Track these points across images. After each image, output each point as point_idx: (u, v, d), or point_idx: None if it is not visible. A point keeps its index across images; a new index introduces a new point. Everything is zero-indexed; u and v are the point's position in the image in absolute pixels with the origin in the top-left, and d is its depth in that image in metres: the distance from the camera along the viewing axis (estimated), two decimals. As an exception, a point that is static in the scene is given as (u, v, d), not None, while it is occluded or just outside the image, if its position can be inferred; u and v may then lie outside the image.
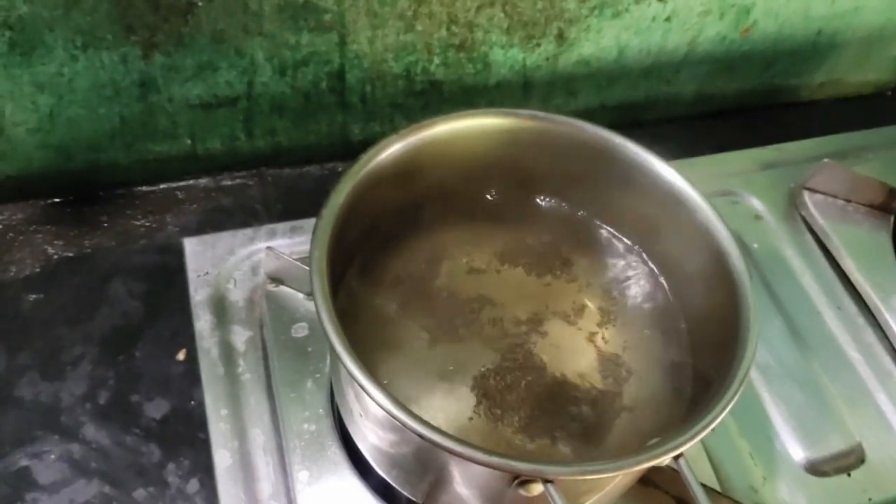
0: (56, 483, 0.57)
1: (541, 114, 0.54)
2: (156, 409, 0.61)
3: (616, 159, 0.54)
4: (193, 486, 0.58)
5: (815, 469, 0.63)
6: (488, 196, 0.59)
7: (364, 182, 0.49)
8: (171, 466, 0.58)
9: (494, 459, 0.40)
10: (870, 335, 0.71)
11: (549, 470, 0.40)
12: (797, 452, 0.63)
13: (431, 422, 0.40)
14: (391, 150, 0.51)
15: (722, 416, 0.43)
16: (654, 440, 0.44)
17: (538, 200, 0.59)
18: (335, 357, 0.42)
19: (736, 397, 0.43)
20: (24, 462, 0.57)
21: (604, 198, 0.57)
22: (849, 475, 0.63)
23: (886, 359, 0.70)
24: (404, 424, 0.40)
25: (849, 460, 0.64)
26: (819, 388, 0.67)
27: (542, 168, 0.57)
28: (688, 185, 0.52)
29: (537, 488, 0.41)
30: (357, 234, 0.51)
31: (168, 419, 0.61)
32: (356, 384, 0.41)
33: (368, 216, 0.52)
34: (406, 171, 0.52)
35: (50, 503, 0.56)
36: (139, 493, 0.57)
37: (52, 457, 0.58)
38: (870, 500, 0.62)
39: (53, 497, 0.56)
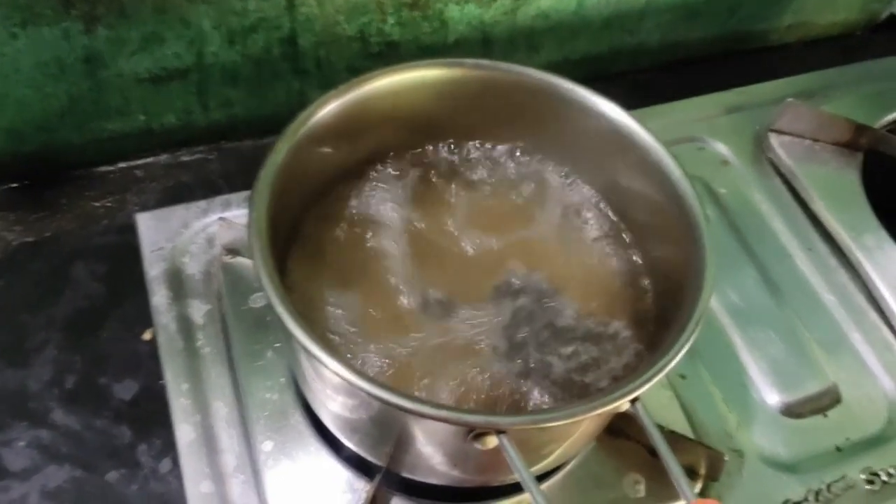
0: (27, 470, 0.56)
1: (486, 62, 0.53)
2: (124, 390, 0.60)
3: (565, 104, 0.53)
4: (166, 465, 0.57)
5: (791, 411, 0.62)
6: (439, 146, 0.58)
7: (303, 141, 0.48)
8: (142, 447, 0.58)
9: (443, 413, 0.39)
10: (842, 276, 0.70)
11: (501, 421, 0.40)
12: (772, 396, 0.63)
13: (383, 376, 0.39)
14: (329, 107, 0.50)
15: (676, 361, 0.42)
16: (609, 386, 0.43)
17: (489, 149, 0.58)
18: (279, 318, 0.41)
19: (690, 341, 0.43)
20: (-8, 450, 0.57)
21: (556, 143, 0.56)
22: (825, 416, 0.63)
23: (860, 298, 0.69)
24: (349, 382, 0.39)
25: (824, 401, 0.63)
26: (793, 331, 0.67)
27: (491, 117, 0.56)
28: (638, 126, 0.51)
29: (492, 440, 0.40)
30: (302, 195, 0.51)
31: (137, 400, 0.60)
32: (300, 345, 0.40)
33: (313, 176, 0.51)
34: (348, 127, 0.51)
35: (21, 490, 0.55)
36: (111, 476, 0.56)
37: (22, 444, 0.57)
38: (847, 439, 0.62)
39: (25, 484, 0.56)
